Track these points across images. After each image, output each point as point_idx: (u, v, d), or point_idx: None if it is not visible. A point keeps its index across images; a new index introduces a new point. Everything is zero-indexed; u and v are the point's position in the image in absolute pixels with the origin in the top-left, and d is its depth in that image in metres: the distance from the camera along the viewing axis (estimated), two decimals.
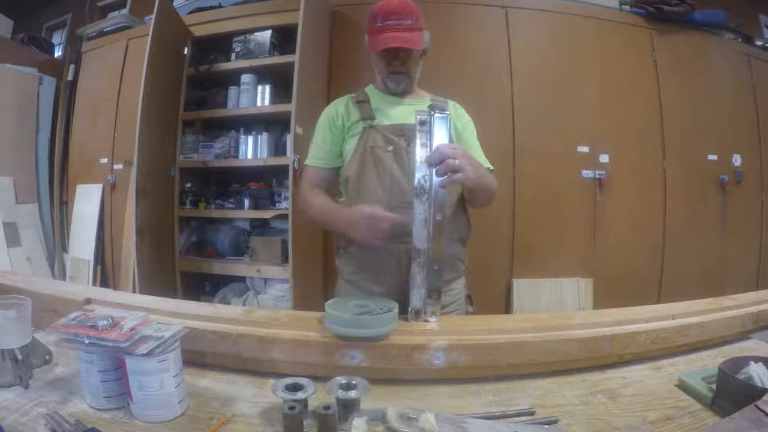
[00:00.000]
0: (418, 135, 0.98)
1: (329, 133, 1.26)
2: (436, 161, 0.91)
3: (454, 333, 0.90)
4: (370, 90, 1.31)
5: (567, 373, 0.87)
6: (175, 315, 0.93)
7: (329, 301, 0.91)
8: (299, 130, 2.19)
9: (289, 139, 2.39)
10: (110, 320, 0.72)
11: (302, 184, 1.30)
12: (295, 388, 0.68)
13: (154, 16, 2.56)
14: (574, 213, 2.76)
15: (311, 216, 1.26)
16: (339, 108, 1.28)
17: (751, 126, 3.12)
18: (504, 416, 0.72)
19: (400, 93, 1.28)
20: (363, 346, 0.83)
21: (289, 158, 2.34)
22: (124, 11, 3.55)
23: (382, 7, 1.18)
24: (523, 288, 2.69)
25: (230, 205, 2.84)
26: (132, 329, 0.71)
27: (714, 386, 0.75)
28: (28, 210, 3.46)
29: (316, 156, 1.27)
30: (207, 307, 1.03)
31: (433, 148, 0.94)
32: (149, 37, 2.51)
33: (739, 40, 3.19)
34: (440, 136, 0.96)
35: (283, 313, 0.99)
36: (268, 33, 2.73)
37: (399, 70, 1.23)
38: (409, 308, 0.96)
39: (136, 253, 2.48)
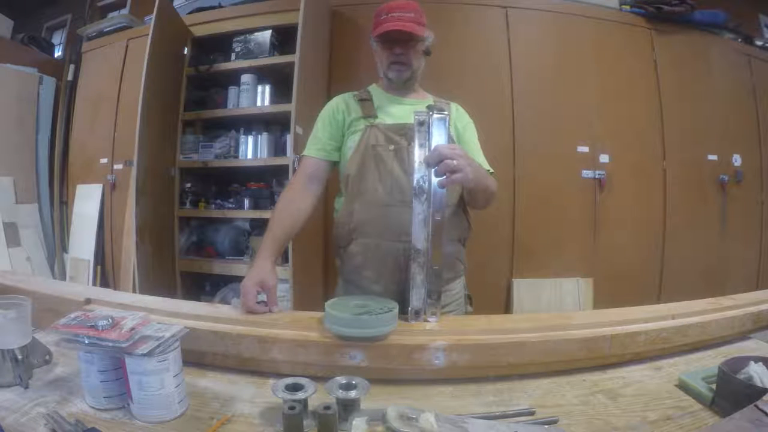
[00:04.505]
0: (416, 135, 0.98)
1: (328, 126, 1.26)
2: (435, 161, 0.91)
3: (454, 333, 0.90)
4: (373, 89, 1.32)
5: (567, 373, 0.87)
6: (175, 315, 0.93)
7: (329, 301, 0.91)
8: (299, 130, 2.19)
9: (289, 139, 2.39)
10: (110, 320, 0.72)
11: (297, 173, 1.30)
12: (295, 388, 0.68)
13: (154, 16, 2.56)
14: (574, 213, 2.76)
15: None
16: (340, 103, 1.29)
17: (751, 126, 3.12)
18: (504, 416, 0.72)
19: (402, 86, 1.28)
20: (363, 346, 0.83)
21: (289, 158, 2.34)
22: (124, 11, 3.56)
23: (388, 3, 1.21)
24: (523, 288, 2.69)
25: (230, 205, 2.84)
26: (132, 329, 0.71)
27: (714, 386, 0.75)
28: (28, 210, 3.46)
29: (314, 146, 1.27)
30: (207, 307, 1.03)
31: (432, 148, 0.94)
32: (149, 37, 2.51)
33: (739, 40, 3.19)
34: (438, 137, 0.96)
35: (283, 313, 0.99)
36: (268, 33, 2.73)
37: (400, 59, 1.23)
38: (409, 308, 0.96)
39: (136, 253, 2.48)
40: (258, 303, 0.99)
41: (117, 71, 3.20)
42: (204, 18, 2.94)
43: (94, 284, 3.13)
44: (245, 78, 2.75)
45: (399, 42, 1.21)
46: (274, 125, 2.80)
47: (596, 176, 2.75)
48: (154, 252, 2.60)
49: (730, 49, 3.10)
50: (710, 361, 0.93)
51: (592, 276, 2.74)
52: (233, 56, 2.81)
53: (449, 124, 1.21)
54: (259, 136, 2.75)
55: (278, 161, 2.63)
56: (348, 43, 2.64)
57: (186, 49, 2.88)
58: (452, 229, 1.21)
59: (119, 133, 3.14)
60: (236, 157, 2.80)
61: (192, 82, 2.90)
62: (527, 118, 2.69)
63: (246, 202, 2.76)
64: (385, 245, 1.16)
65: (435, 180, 0.93)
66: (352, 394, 0.69)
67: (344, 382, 0.70)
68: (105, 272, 3.25)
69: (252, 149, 2.76)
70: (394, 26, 1.17)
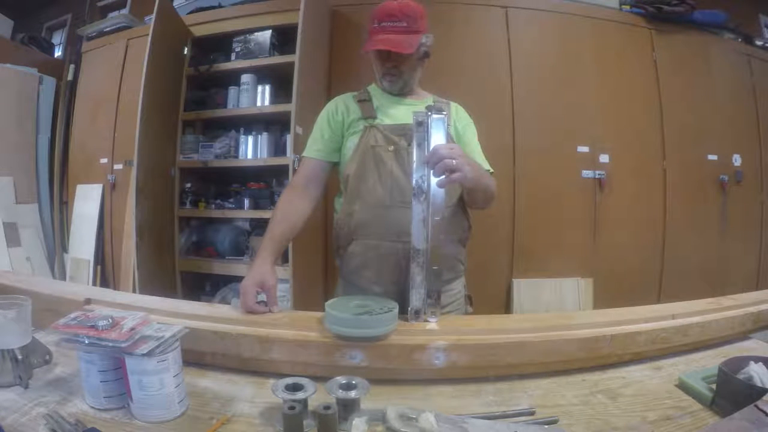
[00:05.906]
0: (415, 136, 0.98)
1: (328, 127, 1.26)
2: (434, 161, 0.91)
3: (454, 333, 0.90)
4: (373, 89, 1.32)
5: (567, 373, 0.87)
6: (175, 315, 0.93)
7: (329, 301, 0.91)
8: (299, 130, 2.19)
9: (289, 139, 2.39)
10: (110, 320, 0.72)
11: (297, 174, 1.30)
12: (295, 388, 0.68)
13: (154, 16, 2.56)
14: (574, 213, 2.76)
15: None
16: (339, 104, 1.28)
17: (751, 126, 3.12)
18: (504, 416, 0.72)
19: (397, 93, 1.28)
20: (363, 346, 0.83)
21: (289, 158, 2.34)
22: (124, 11, 3.56)
23: (382, 8, 1.18)
24: (523, 288, 2.69)
25: (230, 205, 2.84)
26: (132, 329, 0.71)
27: (714, 386, 0.75)
28: (28, 210, 3.46)
29: (314, 147, 1.26)
30: (207, 307, 1.03)
31: (431, 148, 0.94)
32: (149, 37, 2.51)
33: (739, 40, 3.19)
34: (437, 137, 0.96)
35: (283, 313, 0.99)
36: (268, 33, 2.73)
37: (391, 71, 1.23)
38: (409, 308, 0.96)
39: (136, 253, 2.48)
40: (258, 303, 0.99)
41: (117, 71, 3.21)
42: (204, 18, 2.95)
43: (94, 284, 3.13)
44: (245, 78, 2.75)
45: (390, 58, 1.20)
46: (274, 125, 2.80)
47: (596, 176, 2.75)
48: (154, 252, 2.60)
49: (730, 49, 3.10)
50: (710, 361, 0.92)
51: (592, 276, 2.74)
52: (233, 56, 2.81)
53: (449, 125, 1.21)
54: (259, 136, 2.75)
55: (278, 161, 2.63)
56: (348, 43, 2.64)
57: (186, 49, 2.88)
58: (452, 230, 1.21)
59: (119, 133, 3.14)
60: (236, 157, 2.80)
61: (192, 82, 2.90)
62: (527, 118, 2.69)
63: (246, 202, 2.77)
64: (384, 245, 1.16)
65: (434, 180, 0.93)
66: (352, 394, 0.69)
67: (344, 382, 0.70)
68: (105, 272, 3.25)
69: (252, 149, 2.76)
70: (379, 46, 1.15)
